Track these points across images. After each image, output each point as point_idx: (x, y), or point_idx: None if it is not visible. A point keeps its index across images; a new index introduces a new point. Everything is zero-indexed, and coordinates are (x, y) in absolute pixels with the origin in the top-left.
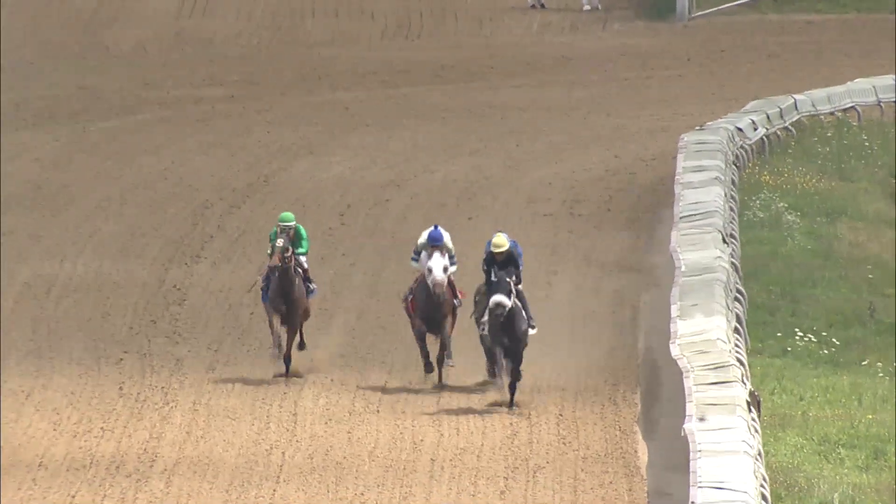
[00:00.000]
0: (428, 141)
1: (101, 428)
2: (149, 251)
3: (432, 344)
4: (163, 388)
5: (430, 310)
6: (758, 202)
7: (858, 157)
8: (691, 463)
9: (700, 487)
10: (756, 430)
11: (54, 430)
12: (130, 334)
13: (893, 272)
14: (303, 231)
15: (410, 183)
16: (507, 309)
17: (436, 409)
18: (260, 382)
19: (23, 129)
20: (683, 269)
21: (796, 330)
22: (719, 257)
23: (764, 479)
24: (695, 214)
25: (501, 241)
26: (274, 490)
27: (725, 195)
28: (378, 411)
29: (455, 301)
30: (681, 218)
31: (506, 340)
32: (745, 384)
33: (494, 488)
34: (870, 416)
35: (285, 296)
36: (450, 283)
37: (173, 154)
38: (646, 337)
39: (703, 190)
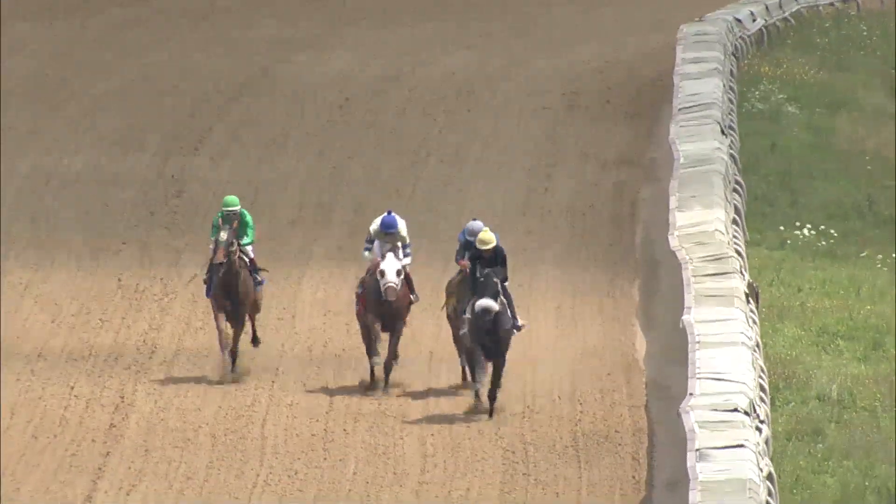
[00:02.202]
0: (427, 35)
1: (100, 319)
2: (147, 144)
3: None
4: (162, 279)
5: (382, 306)
6: (757, 94)
7: (858, 48)
8: (690, 354)
9: (698, 379)
10: (754, 322)
11: (53, 321)
12: (129, 226)
13: (892, 164)
14: (248, 218)
15: (409, 77)
16: (493, 314)
17: (432, 303)
18: None
19: (22, 23)
20: (682, 160)
21: (795, 222)
22: (718, 149)
23: (762, 371)
24: (693, 106)
25: (488, 238)
26: (272, 381)
27: (724, 86)
28: None
29: (411, 296)
30: (679, 110)
31: (487, 341)
32: (743, 276)
33: None
34: (868, 308)
35: (230, 292)
36: (407, 277)
37: (172, 48)
38: (644, 229)
39: (701, 81)
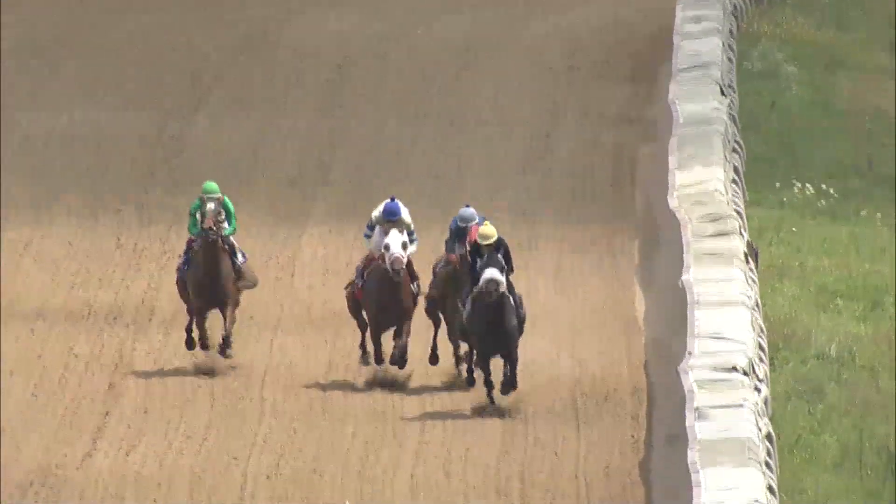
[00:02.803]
0: None
1: (99, 279)
2: (147, 103)
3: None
4: (161, 239)
5: (386, 298)
6: (756, 53)
7: (857, 6)
8: (689, 314)
9: (697, 338)
10: (754, 281)
11: (52, 280)
12: (128, 185)
13: (892, 123)
14: (230, 205)
15: (409, 38)
16: (500, 287)
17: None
18: (258, 234)
19: None
20: (682, 120)
21: (794, 181)
22: (717, 109)
23: (761, 330)
24: (693, 65)
25: (489, 232)
26: (272, 340)
27: (724, 46)
28: None
29: (413, 287)
30: (679, 69)
31: (491, 333)
32: (742, 235)
33: None
34: (868, 267)
35: (210, 275)
36: (409, 265)
37: (172, 6)
38: (644, 189)
39: (701, 41)
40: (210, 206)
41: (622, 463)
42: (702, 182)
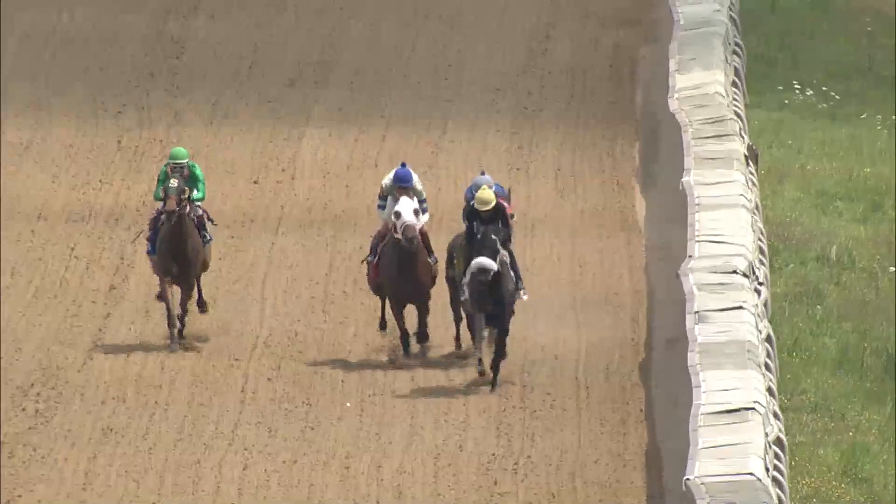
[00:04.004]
0: None
1: (100, 181)
2: (147, 3)
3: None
4: (161, 141)
5: (402, 271)
6: None
7: None
8: (689, 217)
9: (698, 241)
10: (754, 184)
11: (53, 182)
12: (129, 87)
13: (893, 23)
14: (198, 171)
15: None
16: (490, 274)
17: (433, 165)
18: (258, 136)
19: None
20: (682, 22)
21: (794, 83)
22: (718, 11)
23: (761, 233)
24: None
25: (488, 197)
26: (272, 243)
27: None
28: (376, 165)
29: (430, 259)
30: None
31: (489, 306)
32: (743, 138)
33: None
34: (868, 169)
35: (178, 251)
36: (423, 236)
37: None
38: (644, 91)
39: None
40: (173, 182)
41: (622, 365)
42: (702, 85)
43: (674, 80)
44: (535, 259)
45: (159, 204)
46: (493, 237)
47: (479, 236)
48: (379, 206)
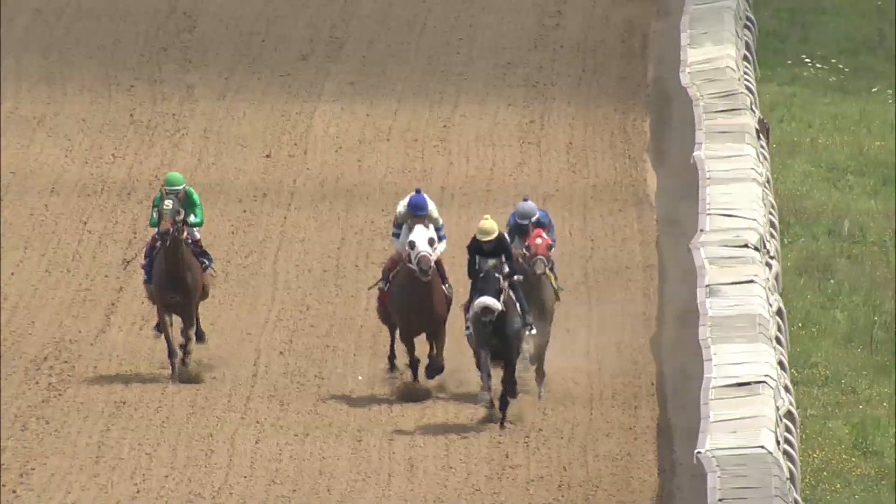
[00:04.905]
0: None
1: (113, 155)
2: None
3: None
4: (174, 115)
5: (416, 302)
6: None
7: None
8: (700, 190)
9: (709, 214)
10: (765, 158)
11: (66, 156)
12: (141, 62)
13: None
14: (195, 196)
15: None
16: (495, 314)
17: (445, 139)
18: (271, 111)
19: None
20: None
21: (805, 57)
22: None
23: (772, 206)
24: None
25: (489, 227)
26: (285, 217)
27: None
28: (388, 140)
29: (446, 288)
30: None
31: (495, 342)
32: (754, 112)
33: (505, 217)
34: (878, 144)
35: (177, 280)
36: (438, 265)
37: None
38: (655, 66)
39: None
40: (168, 204)
41: (633, 339)
42: (713, 59)
43: (685, 55)
44: None
45: (154, 230)
46: (497, 276)
47: (481, 274)
48: (393, 235)
